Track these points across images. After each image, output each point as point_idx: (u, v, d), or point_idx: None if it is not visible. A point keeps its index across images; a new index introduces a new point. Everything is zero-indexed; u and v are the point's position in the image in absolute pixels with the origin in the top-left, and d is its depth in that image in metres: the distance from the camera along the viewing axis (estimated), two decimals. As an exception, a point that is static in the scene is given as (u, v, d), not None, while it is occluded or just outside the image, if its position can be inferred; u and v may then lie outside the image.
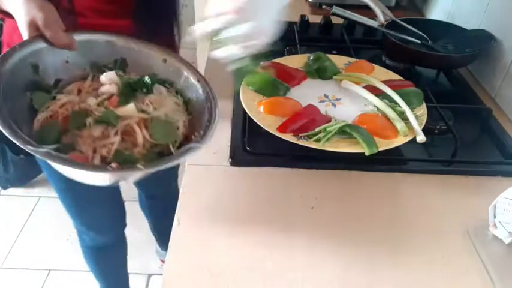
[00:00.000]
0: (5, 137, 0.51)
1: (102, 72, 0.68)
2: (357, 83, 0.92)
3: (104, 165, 0.56)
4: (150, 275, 1.68)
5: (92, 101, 0.62)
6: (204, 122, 0.65)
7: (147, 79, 0.68)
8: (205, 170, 0.76)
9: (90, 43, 0.69)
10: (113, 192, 1.15)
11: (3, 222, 1.89)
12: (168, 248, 0.63)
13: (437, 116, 0.91)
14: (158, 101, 0.66)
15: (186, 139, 0.65)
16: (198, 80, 0.71)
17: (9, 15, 0.63)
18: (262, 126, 0.77)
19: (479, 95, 1.03)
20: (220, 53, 0.61)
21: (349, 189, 0.75)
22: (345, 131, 0.77)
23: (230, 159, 0.79)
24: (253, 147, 0.80)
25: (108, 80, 0.65)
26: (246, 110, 0.81)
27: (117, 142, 0.58)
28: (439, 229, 0.70)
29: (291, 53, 1.13)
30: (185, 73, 0.72)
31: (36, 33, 0.61)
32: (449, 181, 0.79)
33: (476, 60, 1.07)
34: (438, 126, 0.90)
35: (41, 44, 0.63)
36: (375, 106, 0.86)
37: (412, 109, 0.84)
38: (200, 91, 0.70)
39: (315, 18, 1.32)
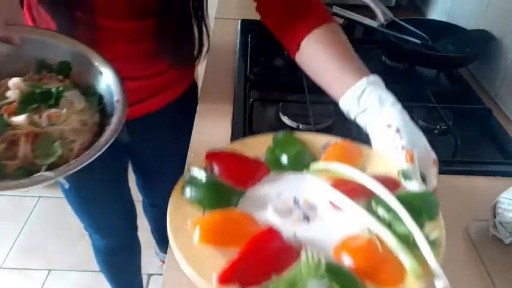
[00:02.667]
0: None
1: (40, 71, 0.66)
2: (338, 182, 0.62)
3: None
4: (150, 275, 1.68)
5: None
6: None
7: (54, 90, 0.62)
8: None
9: (35, 40, 0.67)
10: (121, 194, 1.14)
11: (4, 222, 1.89)
12: (168, 249, 0.62)
13: (437, 116, 0.91)
14: (59, 116, 0.61)
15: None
16: (117, 101, 0.64)
17: None
18: (190, 275, 0.51)
19: (479, 95, 1.03)
20: None
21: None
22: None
23: (230, 159, 0.78)
24: (253, 147, 0.80)
25: (14, 86, 0.62)
26: (170, 237, 0.55)
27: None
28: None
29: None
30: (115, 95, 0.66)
31: None
32: (449, 181, 0.79)
33: (476, 60, 1.07)
34: (438, 126, 0.90)
35: None
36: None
37: (422, 226, 0.55)
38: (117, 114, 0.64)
39: (315, 18, 1.32)
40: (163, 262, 1.54)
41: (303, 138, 0.71)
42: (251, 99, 0.92)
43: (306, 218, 0.59)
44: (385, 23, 1.14)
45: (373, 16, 1.16)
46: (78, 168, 0.54)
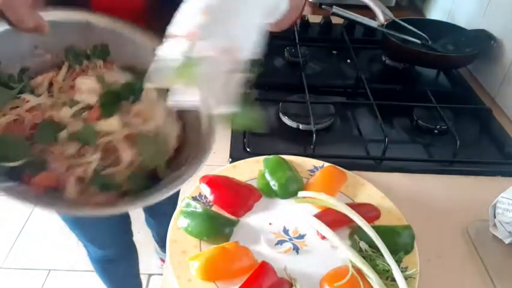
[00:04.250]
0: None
1: (79, 60, 0.57)
2: (325, 210, 0.67)
3: (81, 199, 0.47)
4: (150, 275, 1.68)
5: (66, 113, 0.51)
6: (200, 131, 0.55)
7: (136, 84, 0.55)
8: (205, 170, 0.76)
9: (66, 24, 0.55)
10: None
11: (3, 222, 1.89)
12: (167, 248, 0.63)
13: (437, 116, 0.91)
14: (147, 111, 0.55)
15: (178, 152, 0.56)
16: None
17: None
18: None
19: (479, 95, 1.03)
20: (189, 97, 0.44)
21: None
22: None
23: (230, 159, 0.79)
24: (253, 147, 0.80)
25: (86, 89, 0.54)
26: (170, 270, 0.58)
27: (96, 161, 0.49)
28: (439, 229, 0.70)
29: (290, 54, 1.14)
30: None
31: None
32: (449, 181, 0.79)
33: (476, 60, 1.07)
34: (438, 127, 0.90)
35: (1, 27, 0.49)
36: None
37: (399, 261, 0.59)
38: None
39: (315, 18, 1.32)
40: (163, 261, 1.54)
41: (291, 162, 0.75)
42: (251, 99, 0.92)
43: (295, 250, 0.63)
44: (385, 23, 1.14)
45: (373, 16, 1.16)
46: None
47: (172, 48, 0.44)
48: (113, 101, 0.54)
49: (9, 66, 0.53)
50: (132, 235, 1.24)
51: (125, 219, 1.17)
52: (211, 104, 0.45)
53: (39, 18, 0.49)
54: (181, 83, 0.43)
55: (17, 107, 0.51)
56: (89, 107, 0.53)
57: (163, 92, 0.52)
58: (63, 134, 0.50)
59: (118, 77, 0.57)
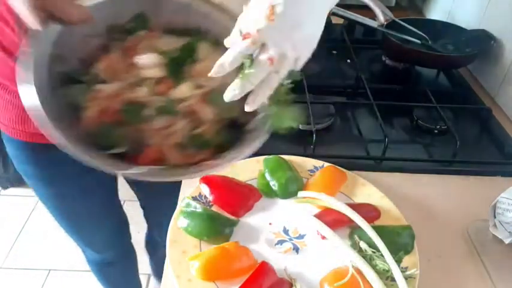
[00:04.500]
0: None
1: (123, 38, 0.57)
2: (326, 210, 0.67)
3: (186, 161, 0.52)
4: (150, 275, 1.68)
5: (142, 91, 0.53)
6: None
7: (191, 43, 0.56)
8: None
9: (100, 4, 0.55)
10: (111, 207, 1.08)
11: (3, 222, 1.89)
12: (167, 248, 0.63)
13: (437, 116, 0.91)
14: (208, 67, 0.53)
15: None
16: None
17: None
18: None
19: (479, 95, 1.03)
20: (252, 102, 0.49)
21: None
22: None
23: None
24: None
25: (151, 64, 0.54)
26: (172, 273, 0.58)
27: (184, 127, 0.52)
28: (439, 229, 0.70)
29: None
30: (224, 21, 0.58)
31: (44, 16, 0.46)
32: (449, 181, 0.79)
33: (476, 60, 1.07)
34: (438, 126, 0.90)
35: (55, 28, 0.49)
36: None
37: (399, 261, 0.60)
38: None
39: (315, 18, 1.32)
40: None
41: (291, 162, 0.75)
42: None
43: (295, 250, 0.63)
44: (385, 23, 1.14)
45: (373, 16, 1.16)
46: None
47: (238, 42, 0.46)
48: (177, 67, 0.55)
49: (71, 62, 0.54)
50: (130, 237, 1.23)
51: (123, 222, 1.16)
52: (259, 102, 0.49)
53: (83, 8, 0.49)
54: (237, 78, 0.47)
55: (95, 98, 0.52)
56: (157, 80, 0.54)
57: (218, 45, 0.54)
58: (147, 112, 0.52)
59: (170, 43, 0.57)
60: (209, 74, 0.48)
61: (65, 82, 0.52)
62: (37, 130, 0.72)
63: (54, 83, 0.50)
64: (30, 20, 0.44)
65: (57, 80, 0.51)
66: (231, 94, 0.48)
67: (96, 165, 0.47)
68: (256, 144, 0.52)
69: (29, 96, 0.46)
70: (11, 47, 0.67)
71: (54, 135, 0.46)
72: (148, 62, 0.54)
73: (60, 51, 0.51)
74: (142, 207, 1.22)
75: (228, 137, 0.55)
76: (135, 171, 0.48)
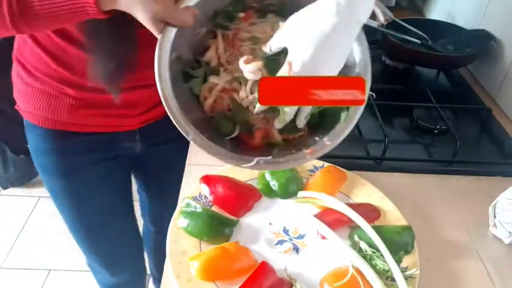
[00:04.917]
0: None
1: (226, 26, 0.61)
2: (326, 210, 0.68)
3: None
4: (149, 275, 1.68)
5: (243, 94, 0.58)
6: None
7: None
8: (206, 170, 0.76)
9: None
10: (130, 224, 1.05)
11: (3, 222, 1.89)
12: (167, 248, 0.63)
13: (437, 116, 0.91)
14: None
15: None
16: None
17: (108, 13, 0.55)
18: None
19: (479, 95, 1.03)
20: None
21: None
22: None
23: (230, 159, 0.79)
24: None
25: (253, 73, 0.57)
26: (172, 273, 0.58)
27: (284, 112, 0.58)
28: (439, 229, 0.70)
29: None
30: None
31: (163, 25, 0.54)
32: (449, 181, 0.79)
33: (476, 60, 1.07)
34: (438, 126, 0.90)
35: (172, 32, 0.55)
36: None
37: (399, 261, 0.60)
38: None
39: (315, 18, 1.32)
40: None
41: None
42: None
43: (295, 250, 0.63)
44: (385, 23, 1.14)
45: (373, 16, 1.16)
46: None
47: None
48: (275, 66, 0.57)
49: (186, 56, 0.60)
50: (144, 261, 1.20)
51: (139, 243, 1.13)
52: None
53: (191, 9, 0.54)
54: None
55: (210, 88, 0.59)
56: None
57: None
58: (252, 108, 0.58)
59: (265, 28, 0.61)
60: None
61: (185, 80, 0.59)
62: (65, 118, 0.77)
63: (175, 80, 0.57)
64: (153, 30, 0.53)
65: (178, 78, 0.58)
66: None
67: (220, 157, 0.53)
68: (351, 126, 0.59)
69: (166, 91, 0.54)
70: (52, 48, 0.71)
71: (185, 130, 0.53)
72: (250, 71, 0.58)
73: (178, 52, 0.57)
74: (143, 204, 1.22)
75: (319, 122, 0.60)
76: (254, 164, 0.54)
